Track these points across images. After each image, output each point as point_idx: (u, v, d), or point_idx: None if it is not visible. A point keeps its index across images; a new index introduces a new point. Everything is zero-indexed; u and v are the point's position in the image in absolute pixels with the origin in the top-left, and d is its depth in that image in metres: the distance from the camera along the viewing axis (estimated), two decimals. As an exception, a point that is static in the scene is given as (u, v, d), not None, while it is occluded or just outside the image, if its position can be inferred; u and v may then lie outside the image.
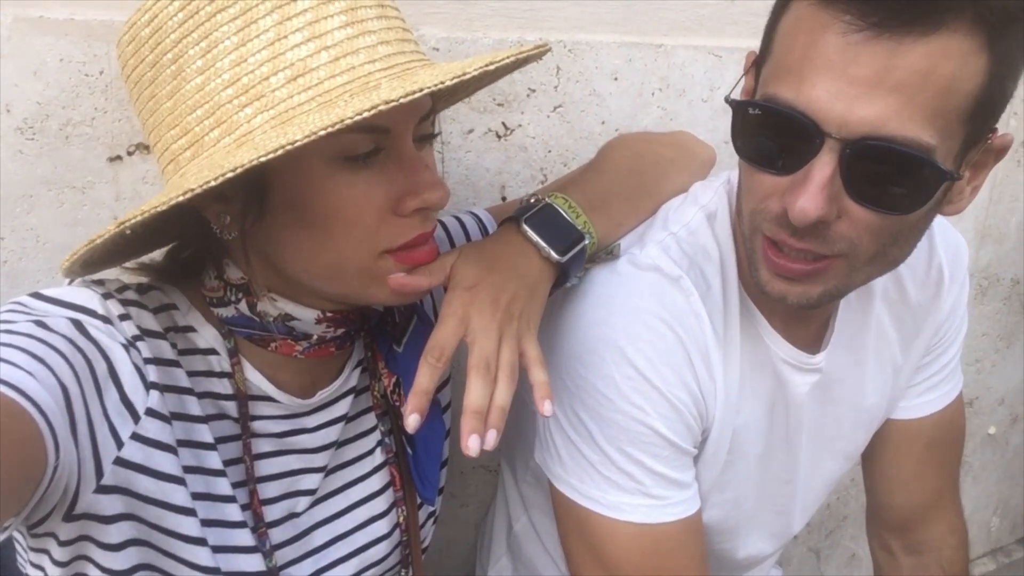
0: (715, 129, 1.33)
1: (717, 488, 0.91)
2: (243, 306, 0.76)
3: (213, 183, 0.58)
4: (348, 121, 0.58)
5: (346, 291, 0.75)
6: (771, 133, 0.71)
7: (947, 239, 0.99)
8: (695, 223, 0.87)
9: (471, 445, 0.70)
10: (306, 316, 0.77)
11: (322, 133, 0.58)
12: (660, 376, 0.80)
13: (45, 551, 0.70)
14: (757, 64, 0.76)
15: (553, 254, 0.80)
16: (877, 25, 0.63)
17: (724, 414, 0.86)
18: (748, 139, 0.74)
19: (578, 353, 0.82)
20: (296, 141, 0.58)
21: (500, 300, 0.77)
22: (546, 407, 0.73)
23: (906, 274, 0.97)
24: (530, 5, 1.14)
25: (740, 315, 0.86)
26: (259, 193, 0.69)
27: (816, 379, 0.92)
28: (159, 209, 0.60)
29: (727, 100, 0.76)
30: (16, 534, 0.72)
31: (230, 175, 0.58)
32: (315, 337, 0.78)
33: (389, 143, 0.70)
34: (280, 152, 0.58)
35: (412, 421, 0.72)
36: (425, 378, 0.73)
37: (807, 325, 0.91)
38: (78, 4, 0.89)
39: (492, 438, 0.71)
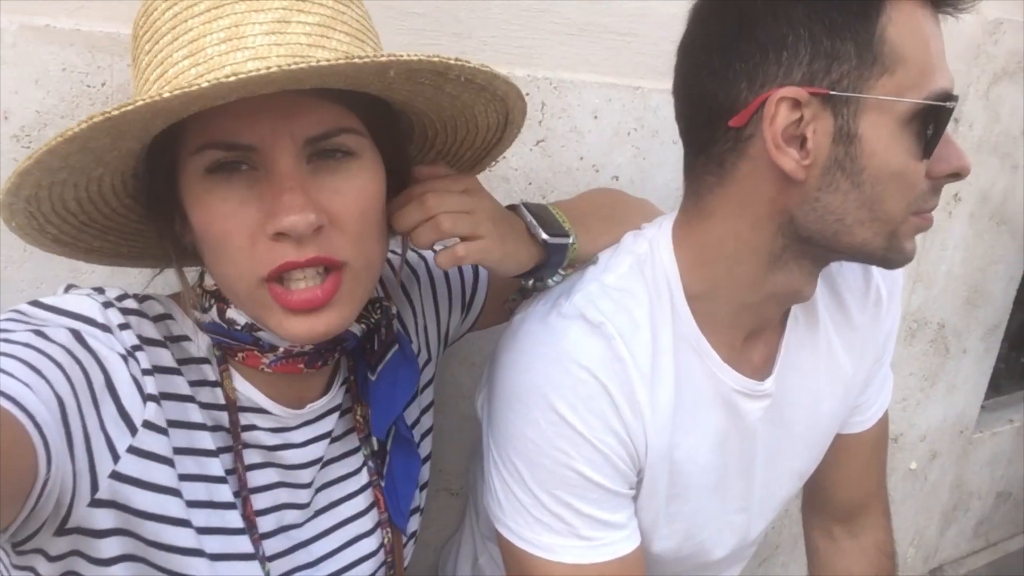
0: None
1: (665, 521, 0.93)
2: (214, 312, 0.76)
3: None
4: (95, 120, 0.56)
5: (252, 314, 0.75)
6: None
7: None
8: (624, 268, 0.90)
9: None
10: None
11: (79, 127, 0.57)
12: (583, 422, 0.83)
13: (30, 568, 0.68)
14: (850, 85, 0.76)
15: (542, 233, 0.87)
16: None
17: (657, 451, 0.88)
18: (934, 140, 0.78)
19: (509, 400, 0.86)
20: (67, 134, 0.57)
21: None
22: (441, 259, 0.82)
23: (847, 296, 1.02)
24: (519, 43, 1.18)
25: (675, 353, 0.88)
26: (168, 200, 0.72)
27: (767, 404, 0.95)
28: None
29: (936, 107, 0.77)
30: None
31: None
32: (281, 350, 0.78)
33: (258, 158, 0.68)
34: (55, 143, 0.57)
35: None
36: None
37: (756, 352, 0.95)
38: (84, 15, 0.89)
39: None
